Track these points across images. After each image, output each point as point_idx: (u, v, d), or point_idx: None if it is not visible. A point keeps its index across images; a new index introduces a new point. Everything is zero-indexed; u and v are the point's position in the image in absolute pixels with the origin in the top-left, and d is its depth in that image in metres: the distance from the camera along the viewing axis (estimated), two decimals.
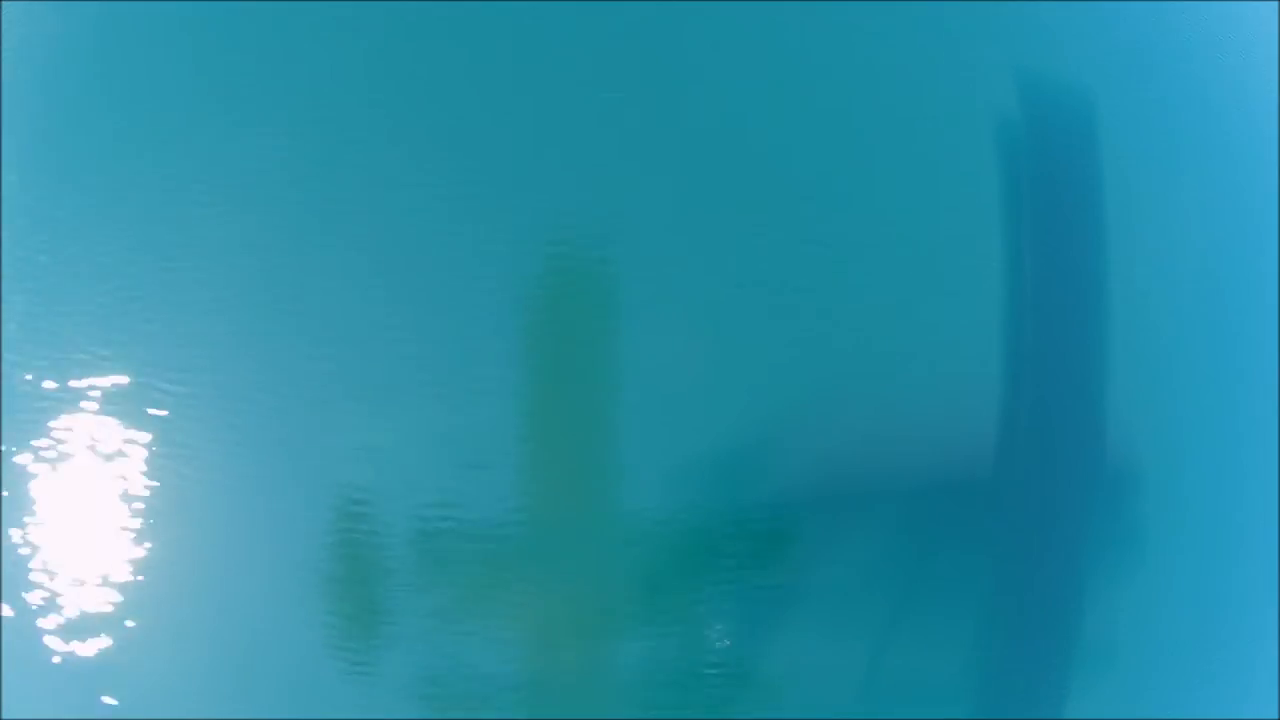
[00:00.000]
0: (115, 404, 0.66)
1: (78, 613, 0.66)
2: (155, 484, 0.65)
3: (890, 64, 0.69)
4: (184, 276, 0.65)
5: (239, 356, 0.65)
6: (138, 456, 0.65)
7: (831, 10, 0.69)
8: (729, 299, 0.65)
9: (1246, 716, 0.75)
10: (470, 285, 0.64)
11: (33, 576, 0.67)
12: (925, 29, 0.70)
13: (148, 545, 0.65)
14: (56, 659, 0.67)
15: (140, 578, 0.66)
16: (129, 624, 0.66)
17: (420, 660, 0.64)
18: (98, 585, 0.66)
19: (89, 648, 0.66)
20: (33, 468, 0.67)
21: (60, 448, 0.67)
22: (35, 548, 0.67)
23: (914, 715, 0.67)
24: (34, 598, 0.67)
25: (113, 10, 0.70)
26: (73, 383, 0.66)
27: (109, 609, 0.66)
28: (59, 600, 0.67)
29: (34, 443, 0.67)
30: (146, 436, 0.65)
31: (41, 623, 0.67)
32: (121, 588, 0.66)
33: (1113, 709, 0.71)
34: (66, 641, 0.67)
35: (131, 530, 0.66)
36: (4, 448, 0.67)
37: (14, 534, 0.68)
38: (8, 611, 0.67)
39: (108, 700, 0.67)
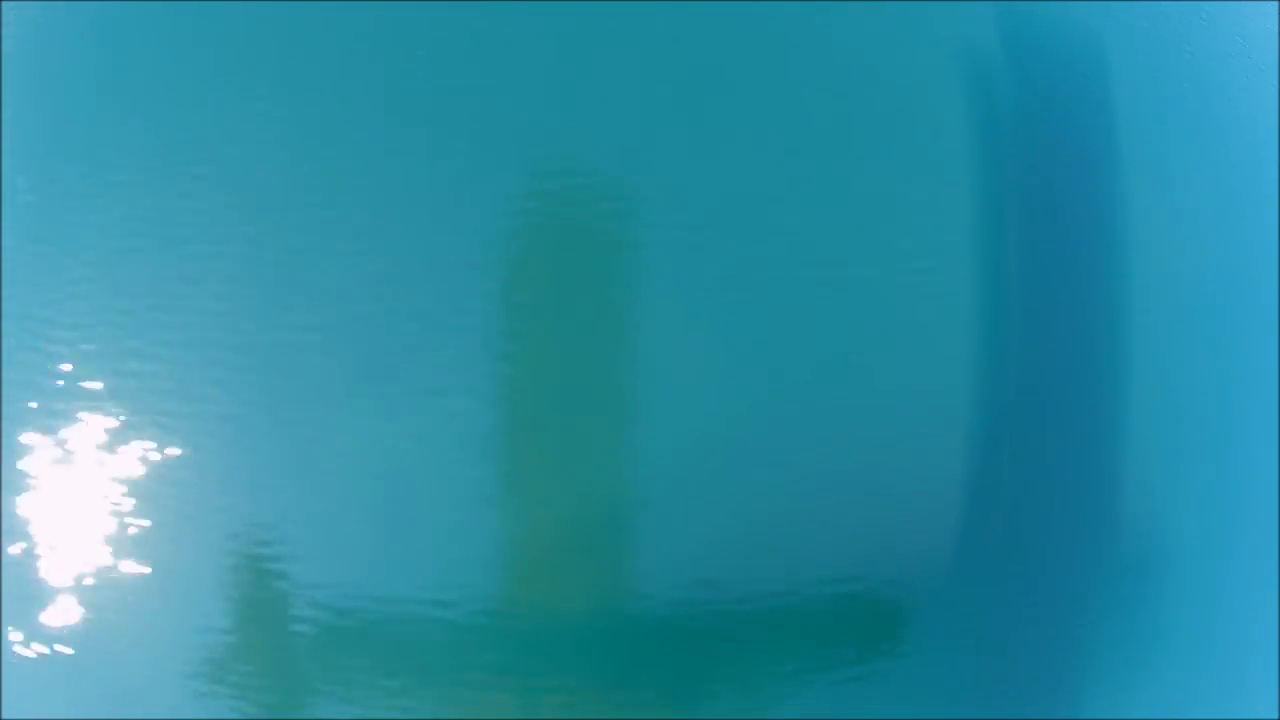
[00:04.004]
0: (111, 403, 0.65)
1: (76, 611, 0.66)
2: (151, 482, 0.65)
3: (892, 66, 0.69)
4: (180, 272, 0.65)
5: (237, 351, 0.65)
6: (133, 452, 0.65)
7: (841, 10, 0.69)
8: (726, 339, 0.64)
9: (1246, 717, 0.75)
10: (464, 283, 0.64)
11: (30, 574, 0.67)
12: (925, 31, 0.70)
13: (144, 543, 0.65)
14: (56, 656, 0.67)
15: (137, 575, 0.65)
16: (124, 621, 0.66)
17: None
18: (93, 583, 0.66)
19: (86, 646, 0.66)
20: (29, 466, 0.67)
21: (59, 447, 0.66)
22: (33, 547, 0.67)
23: (915, 715, 0.66)
24: (32, 595, 0.67)
25: (107, 7, 0.70)
26: (68, 379, 0.66)
27: (104, 606, 0.66)
28: (57, 597, 0.67)
29: (31, 440, 0.67)
30: (141, 432, 0.65)
31: (41, 620, 0.67)
32: (116, 583, 0.66)
33: (1113, 709, 0.71)
34: (65, 640, 0.66)
35: (128, 528, 0.65)
36: (3, 448, 0.67)
37: (12, 534, 0.67)
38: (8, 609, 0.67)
39: (102, 697, 0.67)
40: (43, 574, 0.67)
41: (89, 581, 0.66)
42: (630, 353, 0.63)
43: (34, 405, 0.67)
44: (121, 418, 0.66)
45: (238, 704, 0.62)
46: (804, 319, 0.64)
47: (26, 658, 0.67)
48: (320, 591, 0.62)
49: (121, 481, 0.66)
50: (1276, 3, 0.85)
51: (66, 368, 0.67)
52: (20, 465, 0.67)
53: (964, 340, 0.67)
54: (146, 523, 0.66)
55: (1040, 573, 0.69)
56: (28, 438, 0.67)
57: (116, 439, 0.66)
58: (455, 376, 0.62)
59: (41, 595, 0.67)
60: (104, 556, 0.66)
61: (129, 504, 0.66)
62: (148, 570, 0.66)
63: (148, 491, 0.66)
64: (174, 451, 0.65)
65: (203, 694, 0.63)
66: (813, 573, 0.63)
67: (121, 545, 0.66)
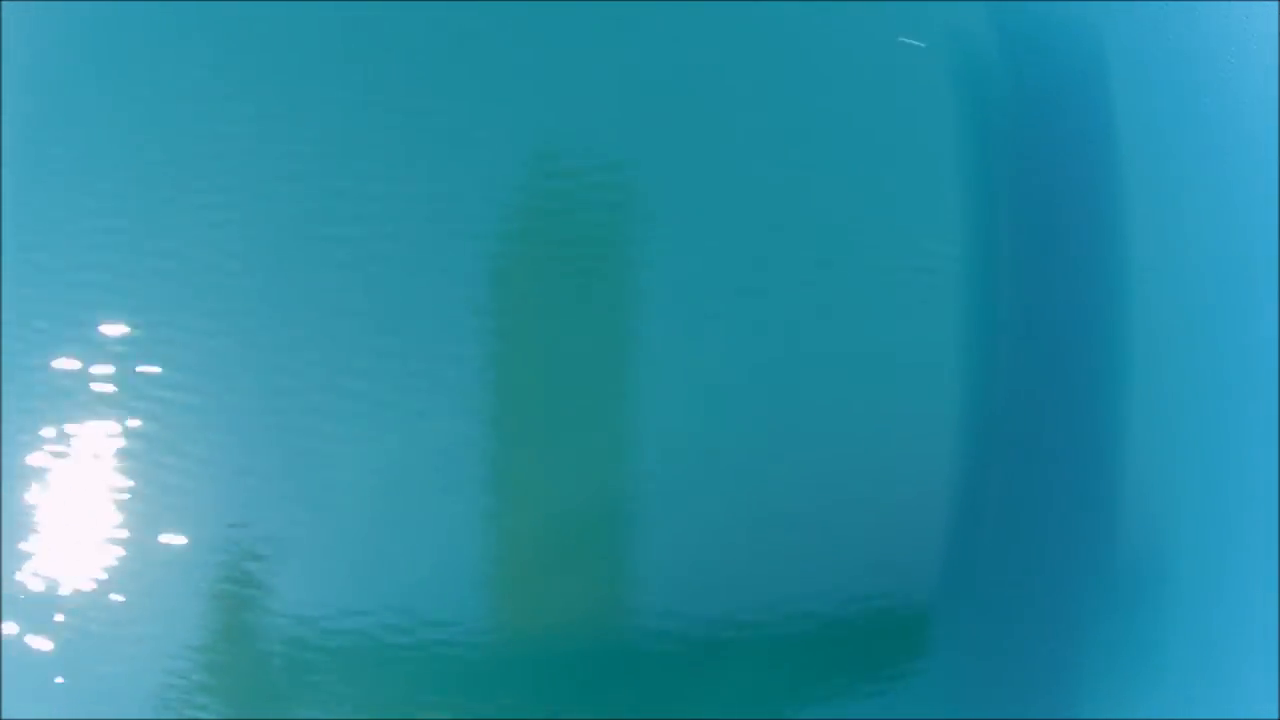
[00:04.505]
0: (108, 402, 0.66)
1: (74, 606, 0.66)
2: (147, 481, 0.65)
3: (894, 66, 0.69)
4: (178, 273, 0.65)
5: (232, 351, 0.65)
6: (129, 453, 0.65)
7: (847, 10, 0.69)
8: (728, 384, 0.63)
9: (1246, 716, 0.75)
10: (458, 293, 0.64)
11: (30, 574, 0.67)
12: (926, 33, 0.70)
13: (143, 542, 0.65)
14: (54, 655, 0.67)
15: (134, 572, 0.65)
16: (121, 617, 0.66)
17: None
18: (90, 579, 0.66)
19: (73, 649, 0.66)
20: (28, 466, 0.67)
21: (57, 447, 0.67)
22: (32, 546, 0.67)
23: (917, 715, 0.66)
24: (32, 596, 0.67)
25: (103, 10, 0.70)
26: (66, 379, 0.66)
27: (103, 603, 0.66)
28: (57, 597, 0.67)
29: (29, 440, 0.67)
30: (136, 431, 0.65)
31: (41, 621, 0.67)
32: (114, 582, 0.66)
33: (1114, 709, 0.70)
34: (64, 637, 0.67)
35: (126, 527, 0.65)
36: (3, 449, 0.67)
37: (11, 532, 0.68)
38: (8, 614, 0.67)
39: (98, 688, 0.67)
40: (26, 577, 0.67)
41: (73, 586, 0.66)
42: (622, 364, 0.62)
43: (23, 410, 0.67)
44: (108, 424, 0.66)
45: (224, 708, 0.62)
46: (793, 328, 0.64)
47: (23, 658, 0.67)
48: (303, 610, 0.62)
49: (108, 487, 0.66)
50: (1276, 2, 0.85)
51: (54, 376, 0.67)
52: (11, 469, 0.68)
53: (958, 346, 0.67)
54: (135, 528, 0.66)
55: (1038, 579, 0.69)
56: (15, 443, 0.67)
57: (102, 445, 0.66)
58: (444, 393, 0.62)
59: (24, 599, 0.67)
60: (88, 562, 0.66)
61: (117, 509, 0.66)
62: (134, 576, 0.66)
63: (136, 498, 0.66)
64: (157, 461, 0.65)
65: (185, 699, 0.63)
66: (808, 588, 0.63)
67: (106, 553, 0.66)
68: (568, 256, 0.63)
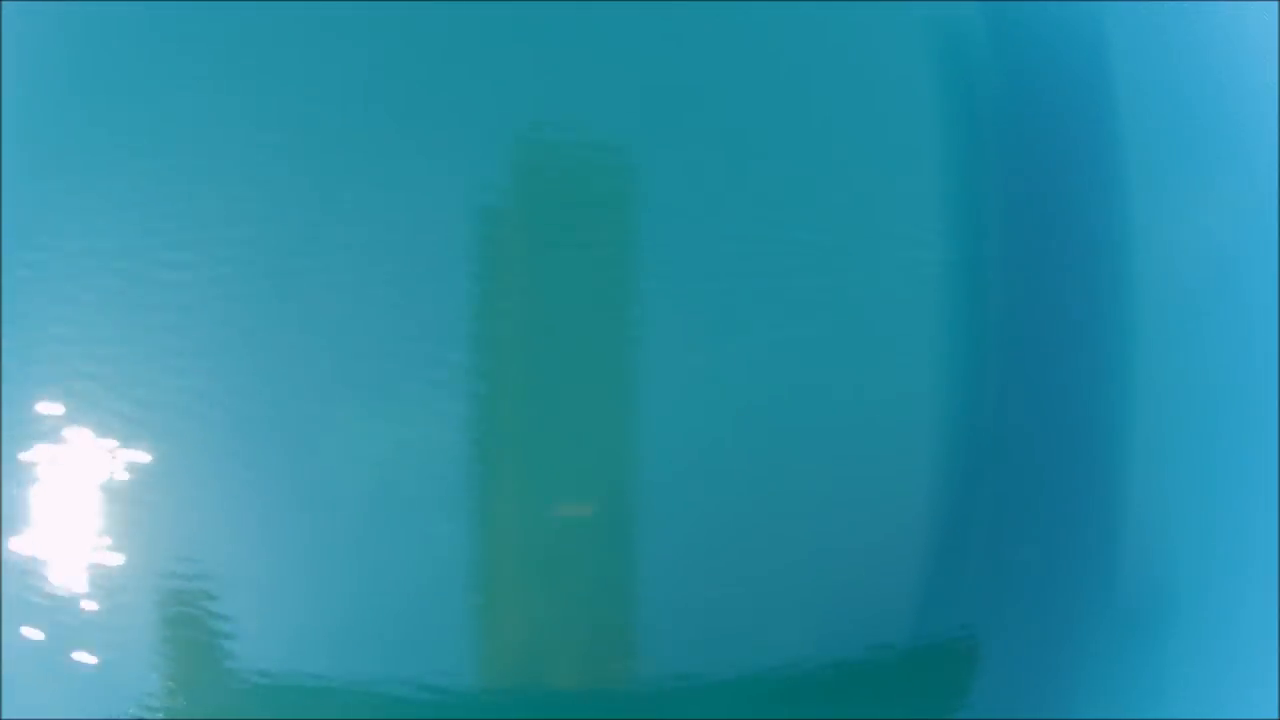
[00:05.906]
0: (110, 400, 0.65)
1: (76, 610, 0.66)
2: (149, 477, 0.65)
3: (893, 65, 0.69)
4: (180, 271, 0.65)
5: (236, 349, 0.64)
6: (132, 449, 0.65)
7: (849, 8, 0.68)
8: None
9: (1246, 716, 0.75)
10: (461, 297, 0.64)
11: (30, 575, 0.67)
12: (927, 32, 0.70)
13: (143, 540, 0.65)
14: (56, 656, 0.67)
15: (134, 572, 0.65)
16: (122, 619, 0.65)
17: None
18: (92, 582, 0.66)
19: (86, 643, 0.66)
20: (29, 466, 0.67)
21: (59, 446, 0.66)
22: (33, 547, 0.67)
23: (917, 715, 0.67)
24: (32, 595, 0.67)
25: (111, 10, 0.70)
26: (68, 377, 0.66)
27: (104, 605, 0.66)
28: (57, 598, 0.66)
29: (31, 440, 0.67)
30: (139, 428, 0.65)
31: (41, 620, 0.67)
32: (115, 583, 0.65)
33: (1114, 709, 0.71)
34: (67, 639, 0.66)
35: (127, 525, 0.65)
36: (3, 451, 0.67)
37: (12, 535, 0.67)
38: (8, 613, 0.67)
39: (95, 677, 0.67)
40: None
41: (44, 597, 0.66)
42: (616, 375, 0.62)
43: (19, 415, 0.67)
44: (94, 426, 0.66)
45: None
46: (774, 344, 0.64)
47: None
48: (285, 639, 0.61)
49: (95, 493, 0.65)
50: (1276, 2, 0.85)
51: (46, 379, 0.66)
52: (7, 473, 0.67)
53: (946, 355, 0.67)
54: (121, 535, 0.65)
55: (1038, 583, 0.69)
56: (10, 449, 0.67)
57: (88, 448, 0.66)
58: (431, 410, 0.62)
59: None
60: (65, 568, 0.65)
61: (102, 515, 0.66)
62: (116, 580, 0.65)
63: (127, 500, 0.66)
64: (141, 470, 0.65)
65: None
66: (800, 623, 0.63)
67: (84, 562, 0.65)
68: (558, 268, 0.63)
